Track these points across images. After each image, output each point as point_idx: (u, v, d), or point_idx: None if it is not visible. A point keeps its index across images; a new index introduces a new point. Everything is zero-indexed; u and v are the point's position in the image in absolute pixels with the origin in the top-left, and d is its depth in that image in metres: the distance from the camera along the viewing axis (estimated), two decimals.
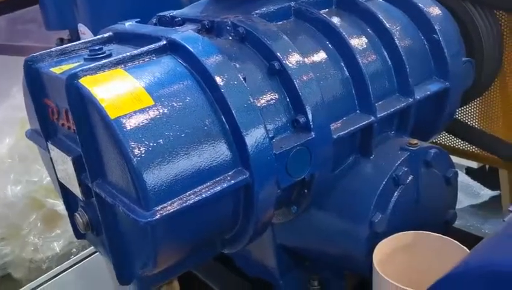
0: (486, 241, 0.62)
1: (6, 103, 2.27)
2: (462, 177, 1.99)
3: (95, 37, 1.04)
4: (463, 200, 1.95)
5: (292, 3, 1.06)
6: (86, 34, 1.67)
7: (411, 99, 1.06)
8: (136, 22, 1.07)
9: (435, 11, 1.15)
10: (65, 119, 0.90)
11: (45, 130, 0.99)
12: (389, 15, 1.12)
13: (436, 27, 1.12)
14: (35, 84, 0.96)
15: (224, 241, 0.95)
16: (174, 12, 1.14)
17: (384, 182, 0.98)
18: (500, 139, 1.41)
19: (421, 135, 1.22)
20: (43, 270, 1.94)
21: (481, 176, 1.92)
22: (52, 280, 1.74)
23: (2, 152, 2.13)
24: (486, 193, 1.92)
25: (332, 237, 1.05)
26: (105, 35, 1.04)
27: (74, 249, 2.06)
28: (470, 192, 1.96)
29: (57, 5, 2.00)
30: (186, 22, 1.08)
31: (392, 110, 1.03)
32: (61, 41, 2.35)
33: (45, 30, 2.23)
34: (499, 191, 1.74)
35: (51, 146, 0.98)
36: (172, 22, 1.11)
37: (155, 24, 1.16)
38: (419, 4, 1.14)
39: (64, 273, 1.75)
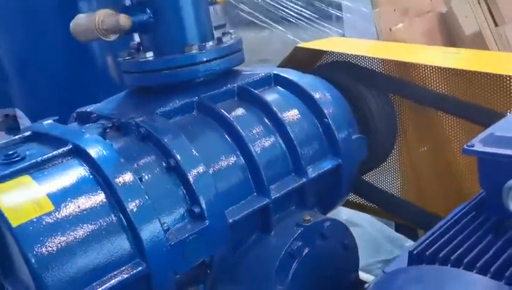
0: None
1: None
2: (390, 231, 2.13)
3: (16, 137, 1.14)
4: (394, 251, 2.08)
5: (195, 98, 1.18)
6: (22, 119, 1.76)
7: (305, 179, 1.19)
8: (53, 120, 1.18)
9: (325, 97, 1.30)
10: None
11: None
12: (285, 103, 1.26)
13: (326, 112, 1.26)
14: None
15: None
16: (92, 108, 1.25)
17: (280, 257, 1.09)
18: (410, 205, 1.53)
19: (325, 205, 1.35)
20: None
21: (407, 229, 2.07)
22: None
23: None
24: (411, 244, 2.05)
25: None
26: (26, 134, 1.13)
27: None
28: (398, 244, 2.10)
29: None
30: (100, 119, 1.19)
31: (287, 190, 1.16)
32: (6, 117, 2.44)
33: None
34: None
35: None
36: (88, 118, 1.22)
37: (75, 119, 1.27)
38: (312, 92, 1.28)
39: None
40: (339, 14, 2.25)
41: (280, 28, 2.45)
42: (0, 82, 2.01)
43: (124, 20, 1.07)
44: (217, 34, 1.32)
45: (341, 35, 2.24)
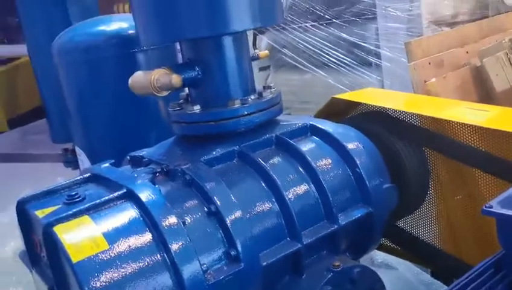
0: None
1: (15, 206, 2.51)
2: (426, 276, 2.13)
3: (77, 178, 1.28)
4: None
5: (236, 148, 1.30)
6: (81, 156, 1.94)
7: (336, 226, 1.26)
8: (110, 163, 1.32)
9: (358, 147, 1.37)
10: (45, 252, 1.12)
11: (31, 258, 1.21)
12: (319, 153, 1.35)
13: (357, 162, 1.34)
14: (25, 221, 1.20)
15: None
16: (144, 153, 1.39)
17: None
18: (444, 253, 1.56)
19: (357, 250, 1.41)
20: None
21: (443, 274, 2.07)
22: None
23: (7, 255, 2.35)
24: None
25: None
26: (85, 176, 1.28)
27: None
28: (434, 289, 2.09)
29: (61, 121, 2.29)
30: (151, 163, 1.33)
31: (318, 236, 1.23)
32: (66, 151, 2.65)
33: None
34: None
35: (34, 273, 1.19)
36: (140, 162, 1.35)
37: (129, 161, 1.41)
38: (345, 143, 1.36)
39: None
40: (378, 62, 2.34)
41: (321, 72, 2.56)
42: (62, 118, 2.21)
43: (176, 79, 1.21)
44: (259, 85, 1.44)
45: (380, 82, 2.32)
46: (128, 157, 1.42)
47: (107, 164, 1.32)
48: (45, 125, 2.62)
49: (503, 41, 1.65)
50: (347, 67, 2.39)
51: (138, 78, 1.27)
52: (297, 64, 2.61)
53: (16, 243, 2.39)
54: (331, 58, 2.42)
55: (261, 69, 3.17)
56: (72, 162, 2.47)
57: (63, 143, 2.48)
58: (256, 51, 1.50)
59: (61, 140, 2.45)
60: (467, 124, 1.30)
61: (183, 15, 1.19)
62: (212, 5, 1.17)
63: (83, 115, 1.87)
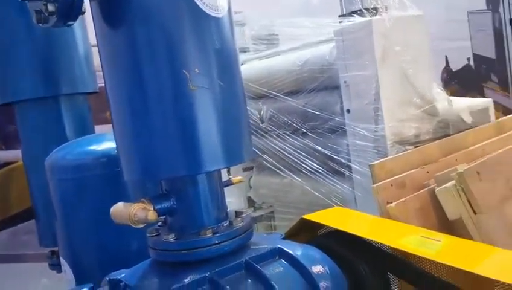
0: None
1: None
2: None
3: None
4: None
5: (207, 274, 1.39)
6: (64, 266, 2.01)
7: None
8: (89, 288, 1.41)
9: (322, 271, 1.47)
10: None
11: None
12: (285, 277, 1.45)
13: (321, 286, 1.43)
14: None
15: None
16: (121, 276, 1.47)
17: None
18: None
19: None
20: None
21: None
22: None
23: None
24: None
25: None
26: None
27: None
28: None
29: (49, 228, 2.38)
30: (127, 288, 1.41)
31: None
32: (52, 253, 2.71)
33: None
34: None
35: None
36: (118, 286, 1.44)
37: (108, 282, 1.49)
38: (309, 267, 1.46)
39: None
40: (350, 175, 2.49)
41: (299, 179, 2.71)
42: (50, 224, 2.31)
43: (151, 215, 1.33)
44: (231, 210, 1.56)
45: (352, 193, 2.46)
46: (106, 278, 1.51)
47: (85, 289, 1.41)
48: (34, 226, 2.70)
49: (452, 174, 1.79)
50: (322, 176, 2.54)
51: (118, 210, 1.39)
52: (276, 170, 2.78)
53: None
54: (307, 167, 2.58)
55: (245, 169, 3.33)
56: (57, 265, 2.53)
57: (51, 247, 2.55)
58: (230, 177, 1.64)
59: (49, 244, 2.53)
60: (417, 256, 1.41)
61: (161, 158, 1.33)
62: (187, 150, 1.33)
63: (67, 228, 1.97)
